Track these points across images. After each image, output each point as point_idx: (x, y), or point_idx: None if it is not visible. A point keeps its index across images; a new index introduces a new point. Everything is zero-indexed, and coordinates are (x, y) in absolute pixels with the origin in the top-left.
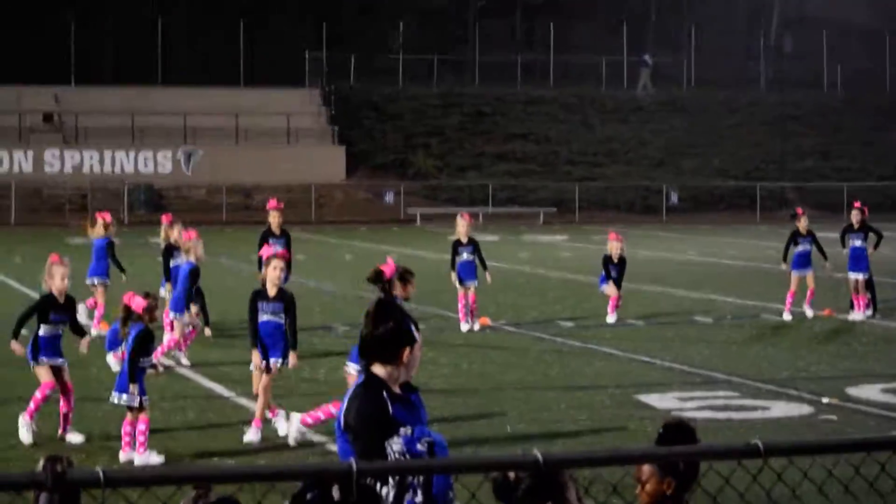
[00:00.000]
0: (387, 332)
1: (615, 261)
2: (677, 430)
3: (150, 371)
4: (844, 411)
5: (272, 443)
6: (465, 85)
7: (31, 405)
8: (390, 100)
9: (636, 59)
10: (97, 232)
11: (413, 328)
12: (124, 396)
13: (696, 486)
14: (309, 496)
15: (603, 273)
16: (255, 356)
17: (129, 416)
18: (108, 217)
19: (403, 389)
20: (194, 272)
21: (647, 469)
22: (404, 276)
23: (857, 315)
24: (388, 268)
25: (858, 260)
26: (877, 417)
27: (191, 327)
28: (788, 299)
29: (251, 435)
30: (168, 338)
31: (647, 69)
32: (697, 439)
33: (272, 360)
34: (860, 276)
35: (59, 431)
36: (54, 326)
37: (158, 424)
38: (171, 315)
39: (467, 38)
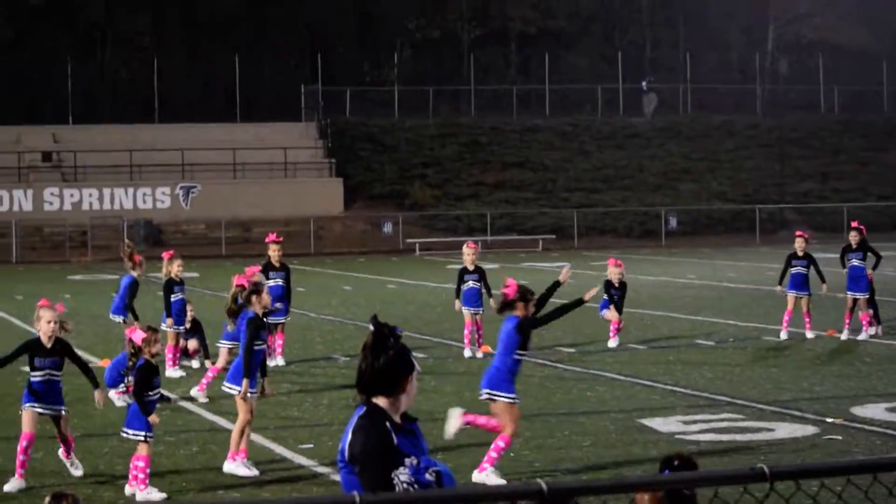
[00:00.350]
0: (387, 362)
1: (616, 285)
2: (679, 463)
3: (160, 405)
4: (850, 431)
5: (276, 475)
6: (461, 115)
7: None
8: (387, 131)
9: (638, 88)
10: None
11: (411, 357)
12: (129, 431)
13: None
14: None
15: (605, 298)
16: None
17: (137, 451)
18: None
19: (403, 419)
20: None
21: (646, 498)
22: (525, 295)
23: (861, 335)
24: (511, 289)
25: (857, 280)
26: (882, 436)
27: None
28: (785, 318)
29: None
30: (211, 370)
31: (651, 94)
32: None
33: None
34: (859, 296)
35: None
36: (42, 372)
37: (162, 458)
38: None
39: (462, 68)
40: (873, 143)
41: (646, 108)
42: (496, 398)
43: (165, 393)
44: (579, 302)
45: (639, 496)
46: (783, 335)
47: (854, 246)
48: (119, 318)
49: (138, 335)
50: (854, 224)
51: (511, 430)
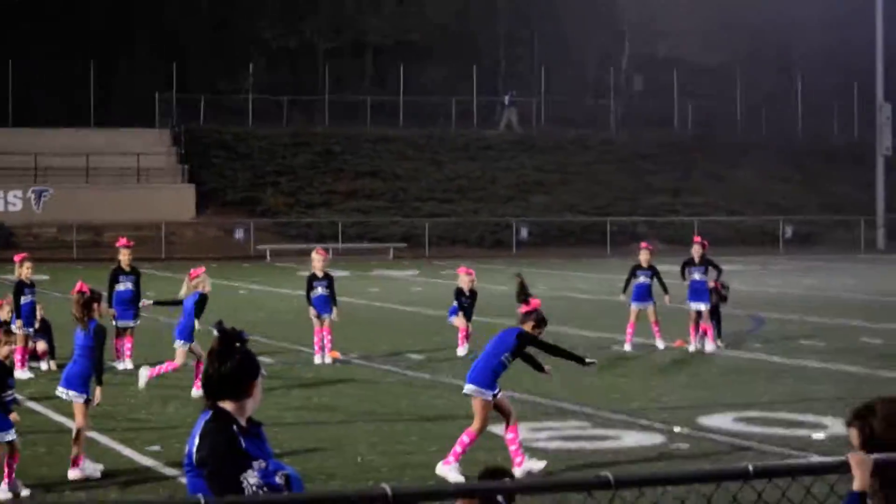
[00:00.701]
0: (234, 366)
1: (466, 294)
2: (495, 475)
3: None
4: (696, 440)
5: (123, 478)
6: (315, 125)
7: None
8: (240, 139)
9: (500, 100)
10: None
11: (257, 362)
12: None
13: None
14: None
15: (455, 304)
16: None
17: None
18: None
19: (249, 423)
20: (201, 301)
21: None
22: (542, 320)
23: (708, 346)
24: (536, 303)
25: (699, 293)
26: (729, 446)
27: (196, 359)
28: (629, 330)
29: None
30: (168, 364)
31: (512, 108)
32: None
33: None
34: (701, 307)
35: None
36: None
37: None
38: (178, 343)
39: (318, 78)
40: (726, 160)
41: (505, 120)
42: (476, 395)
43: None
44: (581, 361)
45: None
46: (627, 347)
47: (696, 260)
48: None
49: None
50: (696, 238)
51: (478, 427)
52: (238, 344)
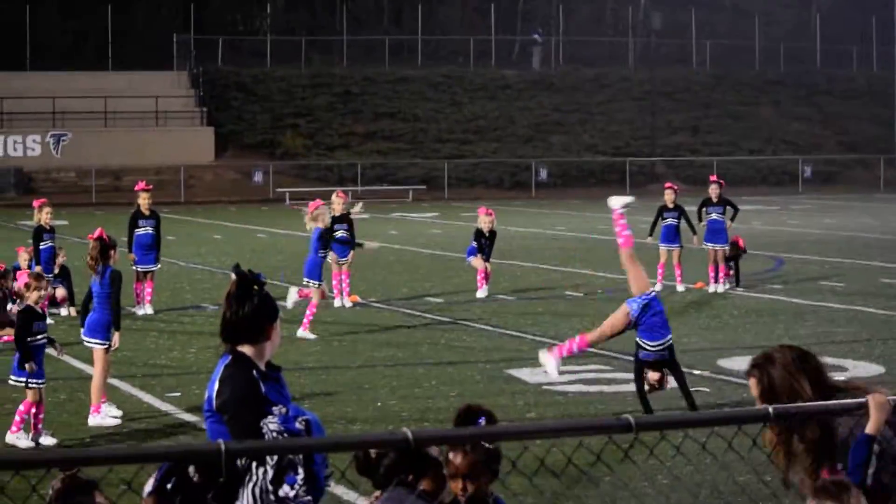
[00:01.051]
0: (251, 310)
1: (486, 234)
2: (470, 415)
3: (50, 350)
4: (716, 383)
5: (143, 424)
6: (333, 65)
7: None
8: (259, 81)
9: (528, 39)
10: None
11: (275, 305)
12: (12, 378)
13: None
14: (169, 486)
15: (473, 245)
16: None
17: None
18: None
19: (268, 368)
20: (323, 235)
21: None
22: None
23: (718, 287)
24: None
25: (716, 233)
26: (745, 388)
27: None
28: (659, 271)
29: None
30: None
31: (540, 46)
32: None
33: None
34: (718, 248)
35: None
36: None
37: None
38: (309, 283)
39: (335, 18)
40: (745, 98)
41: (536, 59)
42: None
43: (51, 337)
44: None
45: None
46: (658, 287)
47: (714, 199)
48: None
49: (22, 279)
50: (713, 178)
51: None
52: (256, 287)
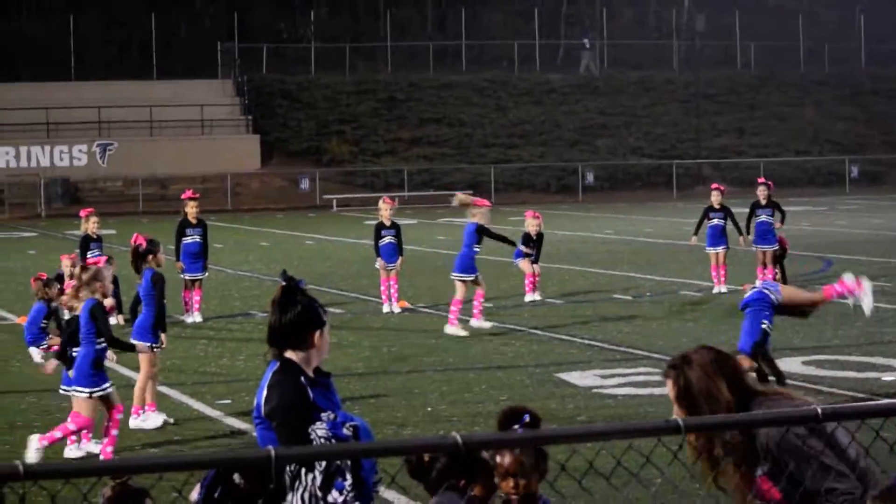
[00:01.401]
0: (295, 316)
1: (534, 237)
2: (512, 415)
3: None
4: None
5: (194, 432)
6: (378, 72)
7: None
8: (303, 88)
9: (578, 43)
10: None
11: (322, 312)
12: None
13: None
14: (216, 495)
15: (519, 248)
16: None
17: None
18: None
19: (317, 374)
20: (479, 230)
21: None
22: None
23: None
24: None
25: (765, 234)
26: (798, 389)
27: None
28: (713, 274)
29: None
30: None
31: (589, 51)
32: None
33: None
34: (767, 249)
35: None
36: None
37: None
38: (460, 276)
39: (379, 25)
40: (789, 99)
41: (585, 63)
42: None
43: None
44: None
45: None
46: (719, 289)
47: (763, 202)
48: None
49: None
50: (761, 180)
51: None
52: (300, 293)
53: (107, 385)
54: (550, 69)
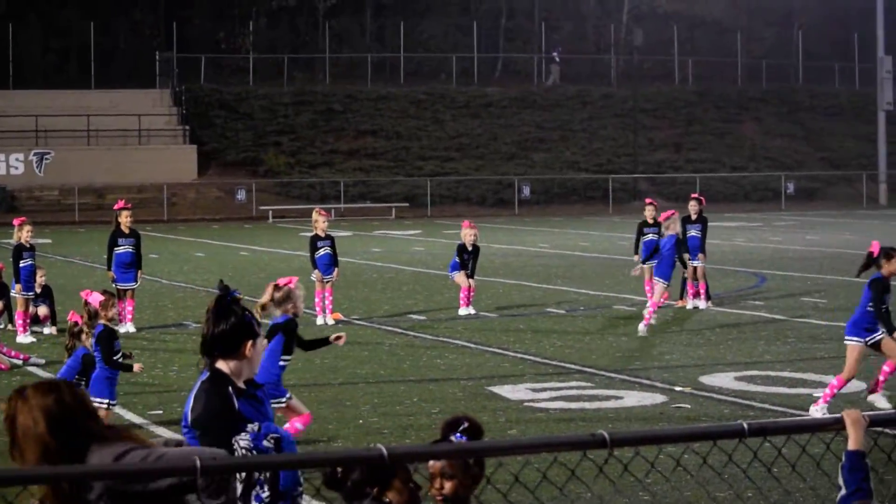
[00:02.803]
0: (228, 326)
1: (469, 249)
2: (467, 427)
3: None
4: (698, 400)
5: None
6: (316, 83)
7: None
8: (241, 98)
9: (547, 56)
10: None
11: (255, 324)
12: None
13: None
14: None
15: (456, 260)
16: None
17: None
18: None
19: (248, 385)
20: (679, 241)
21: (441, 465)
22: (890, 253)
23: (699, 303)
24: (874, 247)
25: (695, 250)
26: (731, 405)
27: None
28: (647, 289)
29: None
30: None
31: (557, 65)
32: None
33: None
34: (697, 265)
35: None
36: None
37: None
38: (658, 281)
39: (318, 36)
40: (727, 115)
41: (552, 76)
42: (849, 342)
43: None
44: None
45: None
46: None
47: (693, 217)
48: None
49: (95, 298)
50: (693, 195)
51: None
52: (234, 304)
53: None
54: (489, 83)
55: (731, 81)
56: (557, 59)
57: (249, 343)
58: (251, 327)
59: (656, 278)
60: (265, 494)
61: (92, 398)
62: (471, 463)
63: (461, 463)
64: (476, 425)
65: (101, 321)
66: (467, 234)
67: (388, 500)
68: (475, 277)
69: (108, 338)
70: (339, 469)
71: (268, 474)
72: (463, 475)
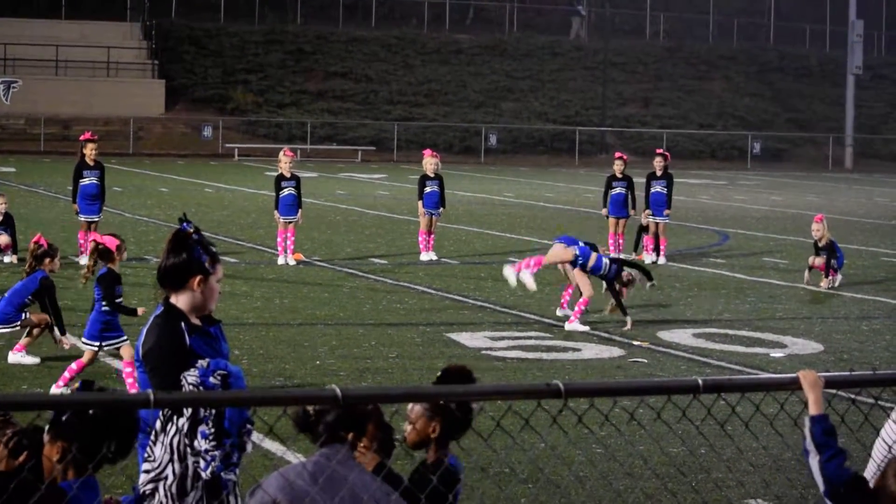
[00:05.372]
0: (180, 260)
1: (431, 176)
2: (458, 375)
3: None
4: (655, 355)
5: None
6: (287, 23)
7: None
8: (211, 35)
9: (569, 9)
10: None
11: (207, 260)
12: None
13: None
14: (63, 418)
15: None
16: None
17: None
18: None
19: (204, 322)
20: None
21: (417, 409)
22: None
23: (660, 259)
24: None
25: (659, 206)
26: (687, 361)
27: None
28: (610, 241)
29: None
30: None
31: (580, 18)
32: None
33: None
34: (660, 220)
35: None
36: None
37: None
38: None
39: None
40: (697, 72)
41: (574, 30)
42: None
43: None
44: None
45: (410, 408)
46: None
47: (658, 173)
48: None
49: (111, 240)
50: (658, 151)
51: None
52: (190, 241)
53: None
54: (459, 30)
55: (702, 39)
56: (582, 13)
57: (198, 278)
58: (201, 264)
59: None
60: (209, 431)
61: (84, 340)
62: (450, 407)
63: (431, 409)
64: (453, 372)
65: (110, 265)
66: (429, 164)
67: (361, 444)
68: (438, 224)
69: (113, 279)
70: (312, 410)
71: (212, 411)
72: (432, 421)
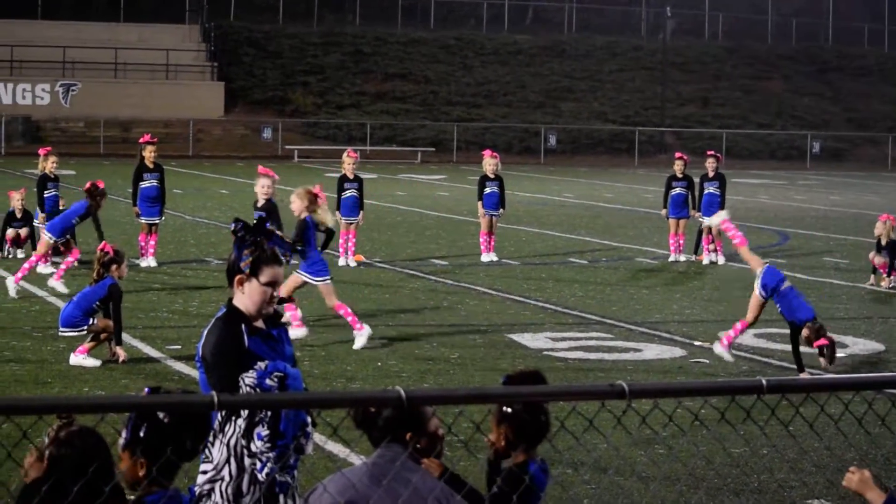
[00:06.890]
0: (228, 261)
1: (491, 177)
2: (528, 378)
3: None
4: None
5: (142, 375)
6: (345, 24)
7: None
8: (270, 37)
9: (660, 11)
10: None
11: (246, 260)
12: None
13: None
14: (141, 434)
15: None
16: None
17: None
18: None
19: (268, 324)
20: None
21: (492, 416)
22: None
23: (719, 258)
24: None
25: (711, 206)
26: (749, 361)
27: None
28: (671, 241)
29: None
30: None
31: (670, 20)
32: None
33: None
34: (713, 221)
35: None
36: None
37: (28, 353)
38: None
39: None
40: (756, 71)
41: (666, 32)
42: None
43: None
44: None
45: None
46: (673, 258)
47: (710, 174)
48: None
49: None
50: (710, 152)
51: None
52: (248, 238)
53: None
54: (518, 30)
55: (760, 39)
56: (669, 15)
57: (239, 278)
58: (238, 264)
59: None
60: (266, 433)
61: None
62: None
63: (496, 413)
64: (521, 377)
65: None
66: (489, 164)
67: (419, 445)
68: (499, 224)
69: (120, 296)
70: (371, 409)
71: (268, 413)
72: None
